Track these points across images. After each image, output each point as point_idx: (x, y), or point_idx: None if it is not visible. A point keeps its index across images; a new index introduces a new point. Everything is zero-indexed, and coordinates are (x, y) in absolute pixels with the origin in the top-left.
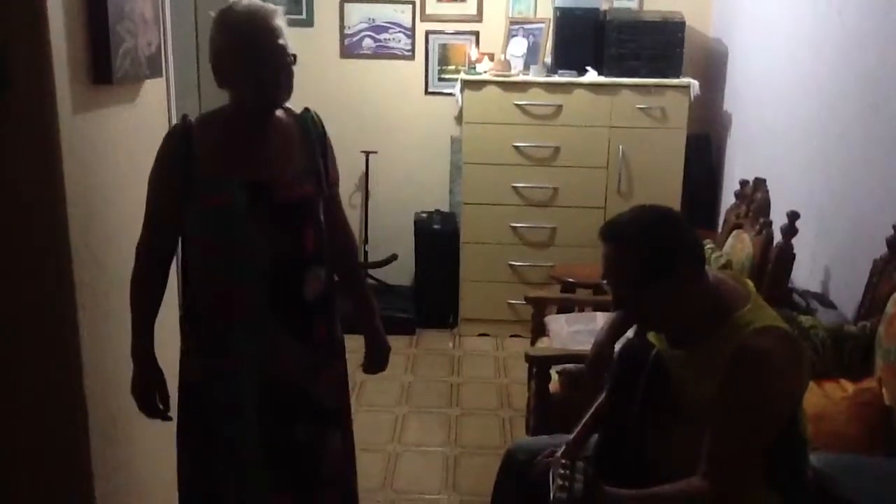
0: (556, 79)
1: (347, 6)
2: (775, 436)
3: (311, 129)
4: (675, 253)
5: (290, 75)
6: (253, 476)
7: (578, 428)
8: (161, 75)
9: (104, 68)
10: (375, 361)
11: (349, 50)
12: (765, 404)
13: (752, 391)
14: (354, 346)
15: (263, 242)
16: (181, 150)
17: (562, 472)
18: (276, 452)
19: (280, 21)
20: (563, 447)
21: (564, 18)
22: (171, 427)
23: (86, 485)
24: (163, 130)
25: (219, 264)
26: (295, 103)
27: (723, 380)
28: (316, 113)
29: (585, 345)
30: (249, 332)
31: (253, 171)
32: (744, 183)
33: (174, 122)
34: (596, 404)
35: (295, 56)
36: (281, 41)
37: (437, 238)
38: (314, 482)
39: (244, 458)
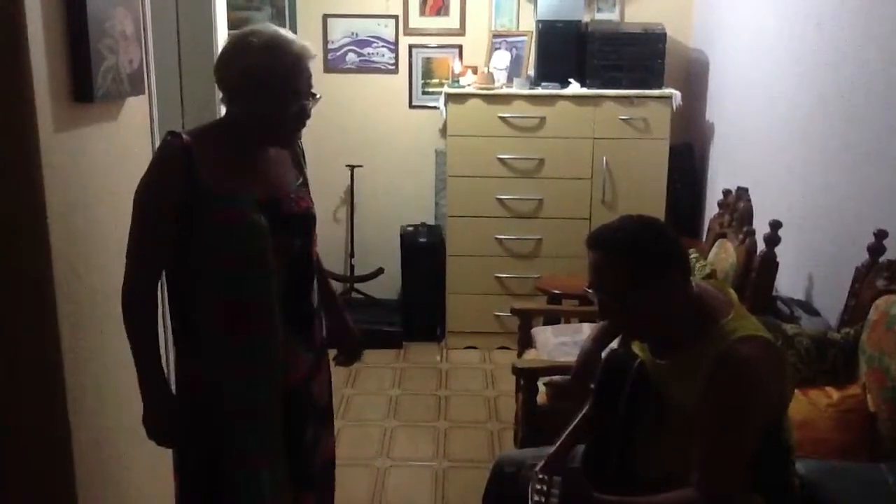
0: (539, 91)
1: (330, 21)
2: (759, 443)
3: (299, 146)
4: (661, 261)
5: (308, 117)
6: (279, 481)
7: (560, 440)
8: (143, 92)
9: (85, 86)
10: (353, 351)
11: (333, 64)
12: (748, 412)
13: (736, 399)
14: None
15: (278, 255)
16: (182, 166)
17: (538, 486)
18: (296, 455)
19: None
20: (543, 461)
21: (547, 31)
22: (159, 448)
23: None
24: (146, 148)
25: (237, 279)
26: None
27: (706, 389)
28: None
29: (572, 356)
30: (266, 342)
31: (259, 187)
32: (727, 192)
33: (157, 139)
34: (579, 416)
35: (318, 96)
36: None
37: (423, 251)
38: (315, 480)
39: (265, 463)
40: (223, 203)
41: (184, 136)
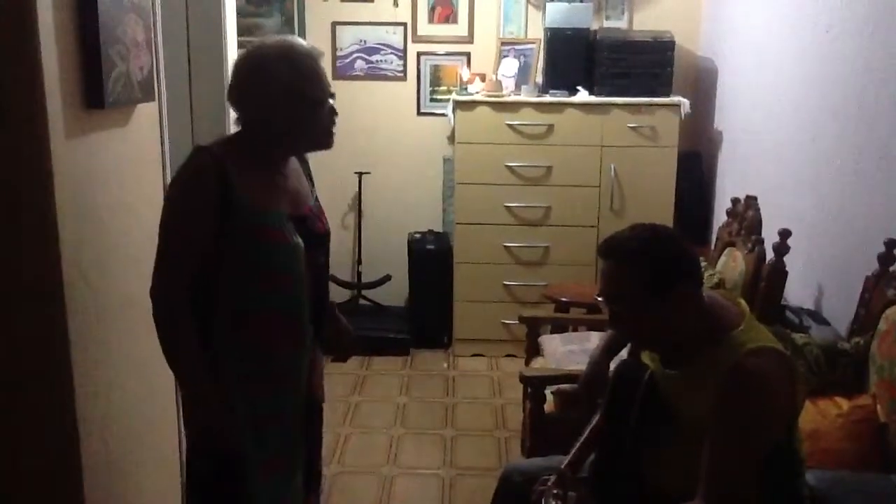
0: (547, 98)
1: (339, 28)
2: (769, 454)
3: (306, 161)
4: (674, 271)
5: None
6: (296, 486)
7: (573, 451)
8: (153, 99)
9: (96, 93)
10: (350, 347)
11: (341, 71)
12: (759, 425)
13: (747, 412)
14: (353, 366)
15: (310, 273)
16: (217, 180)
17: (553, 502)
18: (307, 459)
19: None
20: (555, 475)
21: (555, 39)
22: (166, 454)
23: None
24: (156, 154)
25: (273, 295)
26: None
27: (717, 401)
28: None
29: (580, 364)
30: (297, 358)
31: (285, 203)
32: (735, 201)
33: (167, 145)
34: (590, 426)
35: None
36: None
37: (431, 258)
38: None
39: (285, 470)
40: (260, 220)
41: (213, 150)
